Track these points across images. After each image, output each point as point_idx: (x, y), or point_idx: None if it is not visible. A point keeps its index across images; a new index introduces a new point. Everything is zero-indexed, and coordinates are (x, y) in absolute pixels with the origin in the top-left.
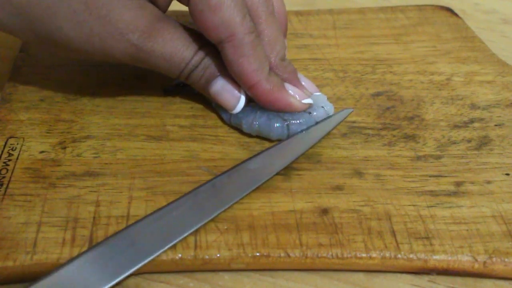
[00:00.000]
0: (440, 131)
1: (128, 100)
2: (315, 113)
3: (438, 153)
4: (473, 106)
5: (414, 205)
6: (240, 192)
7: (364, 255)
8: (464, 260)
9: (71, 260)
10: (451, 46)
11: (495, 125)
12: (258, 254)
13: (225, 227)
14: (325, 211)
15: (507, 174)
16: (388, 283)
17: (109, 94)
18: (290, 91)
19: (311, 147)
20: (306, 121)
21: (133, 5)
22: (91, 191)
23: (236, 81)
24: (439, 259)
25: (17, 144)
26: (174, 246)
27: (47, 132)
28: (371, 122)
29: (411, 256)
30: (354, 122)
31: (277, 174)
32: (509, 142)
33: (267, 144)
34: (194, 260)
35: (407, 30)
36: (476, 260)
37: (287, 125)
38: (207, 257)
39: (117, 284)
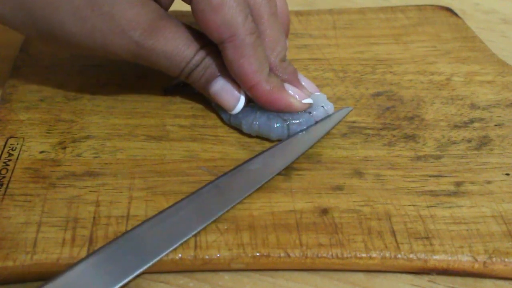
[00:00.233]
0: (440, 131)
1: (128, 100)
2: (315, 113)
3: (438, 153)
4: (473, 106)
5: (414, 205)
6: (242, 193)
7: (364, 255)
8: (464, 260)
9: (74, 264)
10: (451, 46)
11: (495, 125)
12: (258, 254)
13: (225, 227)
14: (325, 211)
15: (507, 174)
16: (388, 283)
17: (109, 94)
18: (290, 92)
19: (311, 147)
20: (306, 121)
21: (136, 2)
22: (91, 191)
23: (236, 81)
24: (439, 259)
25: (17, 144)
26: None
27: (47, 132)
28: (371, 122)
29: (411, 256)
30: (354, 122)
31: (278, 174)
32: (509, 142)
33: (267, 144)
34: (194, 260)
35: (407, 30)
36: (476, 260)
37: (287, 125)
38: (207, 257)
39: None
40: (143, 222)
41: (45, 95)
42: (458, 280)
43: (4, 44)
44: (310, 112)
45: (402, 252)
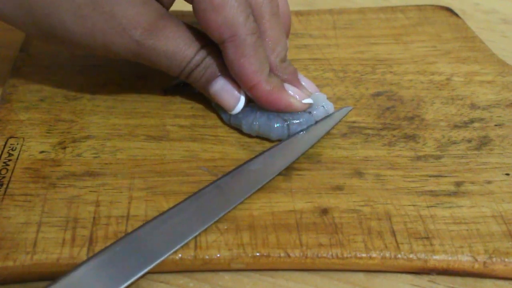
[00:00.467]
0: (440, 131)
1: (128, 100)
2: (315, 112)
3: (438, 153)
4: (473, 106)
5: (414, 205)
6: (243, 194)
7: (364, 255)
8: (464, 260)
9: (76, 266)
10: (451, 46)
11: (495, 125)
12: (258, 254)
13: (225, 227)
14: (325, 211)
15: (507, 174)
16: (388, 283)
17: (109, 94)
18: (290, 92)
19: (311, 147)
20: (306, 121)
21: (137, 1)
22: (91, 191)
23: (236, 81)
24: (439, 259)
25: (17, 144)
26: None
27: (47, 132)
28: (371, 122)
29: (411, 256)
30: (354, 122)
31: (278, 174)
32: (509, 142)
33: (267, 144)
34: (194, 260)
35: (407, 30)
36: (476, 260)
37: (287, 125)
38: (207, 257)
39: None
40: (144, 223)
41: (45, 95)
42: (458, 280)
43: (4, 44)
44: (310, 112)
45: (402, 252)
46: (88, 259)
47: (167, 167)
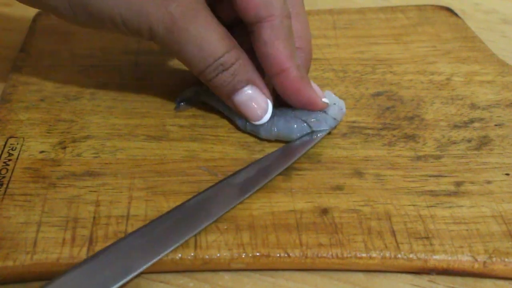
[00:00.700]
0: (440, 131)
1: (128, 100)
2: (330, 111)
3: (438, 153)
4: (473, 106)
5: (414, 205)
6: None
7: (364, 255)
8: (464, 260)
9: (74, 267)
10: (451, 46)
11: (495, 125)
12: (258, 254)
13: (225, 227)
14: (325, 211)
15: (507, 174)
16: (388, 283)
17: (109, 94)
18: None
19: (312, 147)
20: (324, 119)
21: None
22: (91, 191)
23: (264, 66)
24: (439, 259)
25: (17, 144)
26: None
27: (47, 132)
28: (371, 122)
29: (411, 256)
30: (354, 122)
31: (277, 174)
32: (509, 142)
33: (267, 144)
34: (194, 260)
35: (407, 30)
36: (476, 260)
37: (308, 124)
38: (207, 257)
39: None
40: (142, 226)
41: (45, 95)
42: (458, 280)
43: (4, 44)
44: (325, 111)
45: (402, 252)
46: (82, 263)
47: (167, 167)
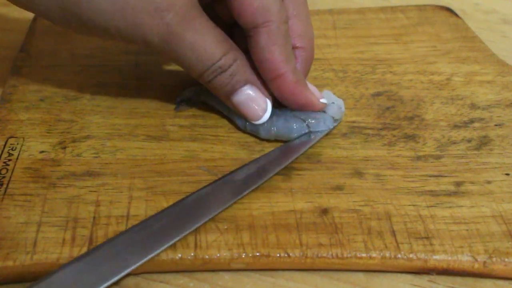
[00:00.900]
0: (440, 131)
1: (128, 100)
2: (329, 110)
3: (438, 153)
4: (473, 106)
5: (414, 205)
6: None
7: (364, 255)
8: (464, 260)
9: (71, 262)
10: (451, 46)
11: (495, 125)
12: (258, 254)
13: (225, 227)
14: (325, 211)
15: (507, 174)
16: (388, 283)
17: (109, 94)
18: (311, 89)
19: (311, 147)
20: (323, 118)
21: None
22: (91, 191)
23: (260, 71)
24: (439, 259)
25: (17, 144)
26: (174, 246)
27: (47, 132)
28: (371, 122)
29: (411, 256)
30: (354, 122)
31: (277, 174)
32: (509, 142)
33: (267, 144)
34: (194, 260)
35: (407, 30)
36: (476, 260)
37: (308, 124)
38: (207, 257)
39: (115, 283)
40: (143, 220)
41: (45, 95)
42: (458, 280)
43: (4, 44)
44: (324, 110)
45: (402, 252)
46: (76, 259)
47: (167, 167)
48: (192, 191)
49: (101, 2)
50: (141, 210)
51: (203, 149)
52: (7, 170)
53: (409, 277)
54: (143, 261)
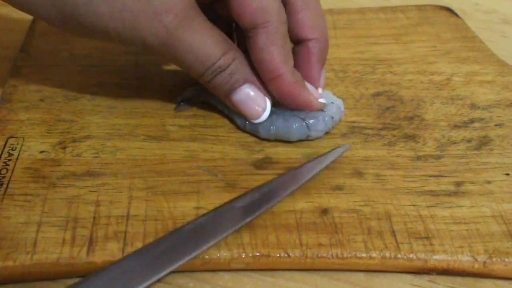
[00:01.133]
0: (440, 131)
1: (128, 100)
2: (328, 110)
3: (438, 153)
4: (473, 106)
5: (414, 205)
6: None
7: (364, 255)
8: (464, 260)
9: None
10: (451, 46)
11: (495, 125)
12: (258, 254)
13: None
14: (325, 211)
15: (507, 174)
16: (388, 283)
17: (109, 94)
18: (309, 89)
19: (311, 147)
20: (322, 118)
21: None
22: (91, 191)
23: (259, 71)
24: (439, 259)
25: (17, 144)
26: None
27: (47, 132)
28: (371, 122)
29: (411, 256)
30: (354, 122)
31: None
32: (509, 142)
33: (267, 144)
34: (194, 260)
35: (407, 30)
36: (476, 260)
37: (306, 124)
38: (207, 257)
39: None
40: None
41: (45, 95)
42: (458, 280)
43: (4, 44)
44: (323, 110)
45: (402, 252)
46: (120, 259)
47: (167, 167)
48: (192, 191)
49: (100, 5)
50: (141, 210)
51: (203, 149)
52: (7, 170)
53: (409, 277)
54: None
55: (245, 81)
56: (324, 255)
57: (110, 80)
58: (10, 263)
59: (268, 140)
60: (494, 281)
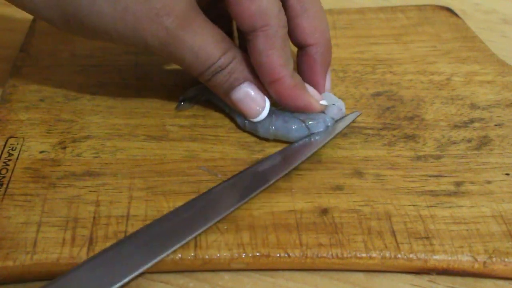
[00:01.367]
0: (440, 131)
1: (128, 100)
2: (329, 111)
3: (438, 153)
4: (473, 106)
5: (414, 205)
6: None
7: (364, 255)
8: (464, 260)
9: (77, 266)
10: (451, 46)
11: (495, 125)
12: (258, 254)
13: (225, 227)
14: (325, 211)
15: (507, 174)
16: (388, 283)
17: (109, 94)
18: (310, 92)
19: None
20: (323, 119)
21: None
22: (91, 191)
23: (259, 74)
24: (439, 259)
25: (17, 144)
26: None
27: (47, 132)
28: (371, 122)
29: (411, 256)
30: (354, 122)
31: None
32: (509, 142)
33: (267, 144)
34: (194, 260)
35: (407, 30)
36: (476, 260)
37: (307, 125)
38: (207, 257)
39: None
40: (154, 220)
41: (45, 95)
42: (458, 280)
43: (4, 44)
44: (324, 111)
45: (402, 252)
46: (86, 260)
47: (167, 167)
48: (192, 191)
49: (102, 6)
50: (141, 210)
51: (203, 149)
52: (7, 170)
53: (409, 277)
54: (144, 268)
55: (245, 80)
56: (324, 255)
57: (110, 80)
58: (10, 263)
59: (268, 140)
60: (494, 281)
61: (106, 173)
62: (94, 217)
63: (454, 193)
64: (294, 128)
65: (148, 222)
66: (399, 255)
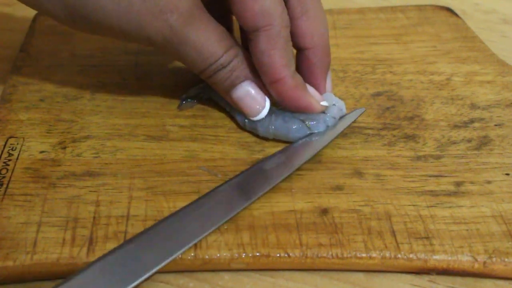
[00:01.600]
0: (440, 131)
1: (128, 100)
2: (329, 112)
3: (438, 153)
4: (473, 106)
5: (414, 205)
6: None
7: (364, 255)
8: (464, 260)
9: (83, 268)
10: (451, 46)
11: (495, 125)
12: (258, 254)
13: (225, 227)
14: (325, 211)
15: (507, 174)
16: (388, 283)
17: (109, 94)
18: (311, 92)
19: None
20: (323, 120)
21: None
22: (91, 191)
23: (260, 74)
24: (439, 259)
25: (17, 144)
26: None
27: (47, 132)
28: (371, 122)
29: (411, 256)
30: (354, 122)
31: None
32: (509, 142)
33: (267, 144)
34: (194, 260)
35: (407, 30)
36: (476, 260)
37: (307, 125)
38: (207, 257)
39: None
40: (159, 221)
41: (45, 95)
42: (458, 280)
43: (4, 44)
44: (324, 112)
45: (402, 252)
46: (93, 262)
47: (167, 167)
48: (192, 191)
49: (107, 2)
50: (141, 210)
51: (203, 149)
52: (7, 170)
53: (409, 277)
54: (164, 263)
55: (246, 78)
56: (324, 255)
57: (110, 80)
58: (10, 263)
59: (268, 140)
60: (494, 281)
61: (106, 173)
62: (94, 217)
63: (454, 193)
64: (294, 128)
65: (148, 222)
66: (399, 255)
